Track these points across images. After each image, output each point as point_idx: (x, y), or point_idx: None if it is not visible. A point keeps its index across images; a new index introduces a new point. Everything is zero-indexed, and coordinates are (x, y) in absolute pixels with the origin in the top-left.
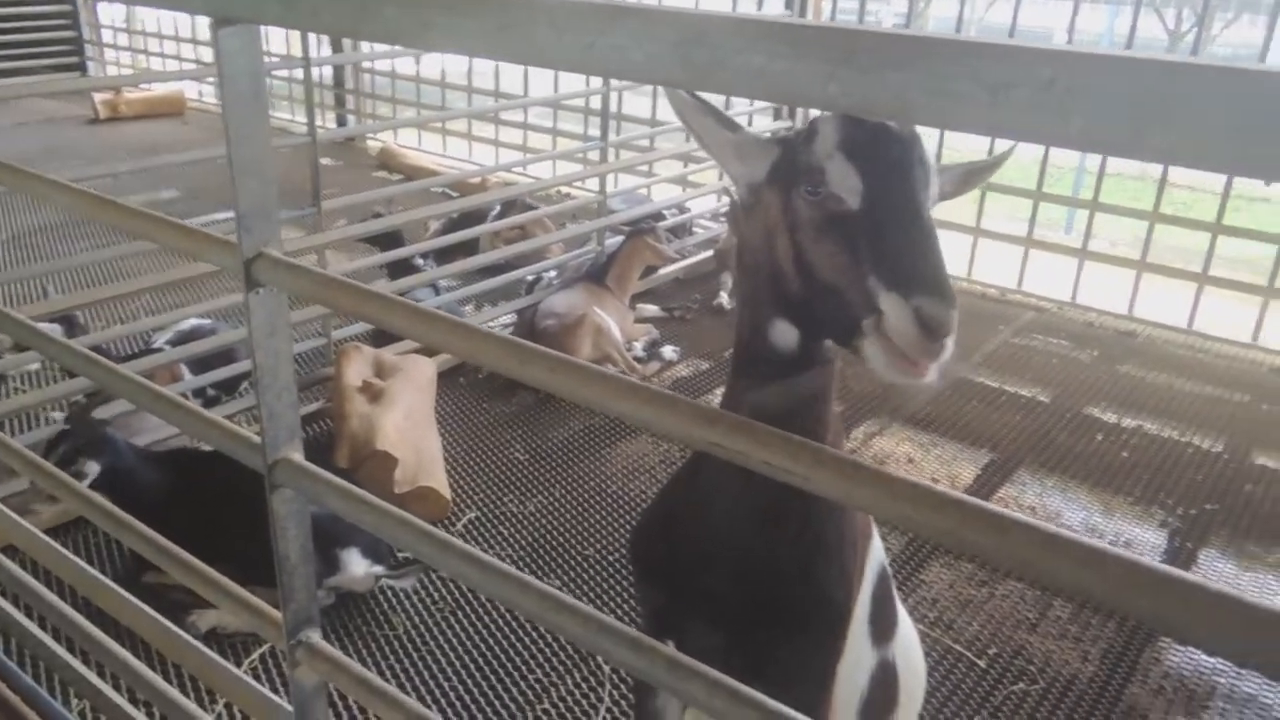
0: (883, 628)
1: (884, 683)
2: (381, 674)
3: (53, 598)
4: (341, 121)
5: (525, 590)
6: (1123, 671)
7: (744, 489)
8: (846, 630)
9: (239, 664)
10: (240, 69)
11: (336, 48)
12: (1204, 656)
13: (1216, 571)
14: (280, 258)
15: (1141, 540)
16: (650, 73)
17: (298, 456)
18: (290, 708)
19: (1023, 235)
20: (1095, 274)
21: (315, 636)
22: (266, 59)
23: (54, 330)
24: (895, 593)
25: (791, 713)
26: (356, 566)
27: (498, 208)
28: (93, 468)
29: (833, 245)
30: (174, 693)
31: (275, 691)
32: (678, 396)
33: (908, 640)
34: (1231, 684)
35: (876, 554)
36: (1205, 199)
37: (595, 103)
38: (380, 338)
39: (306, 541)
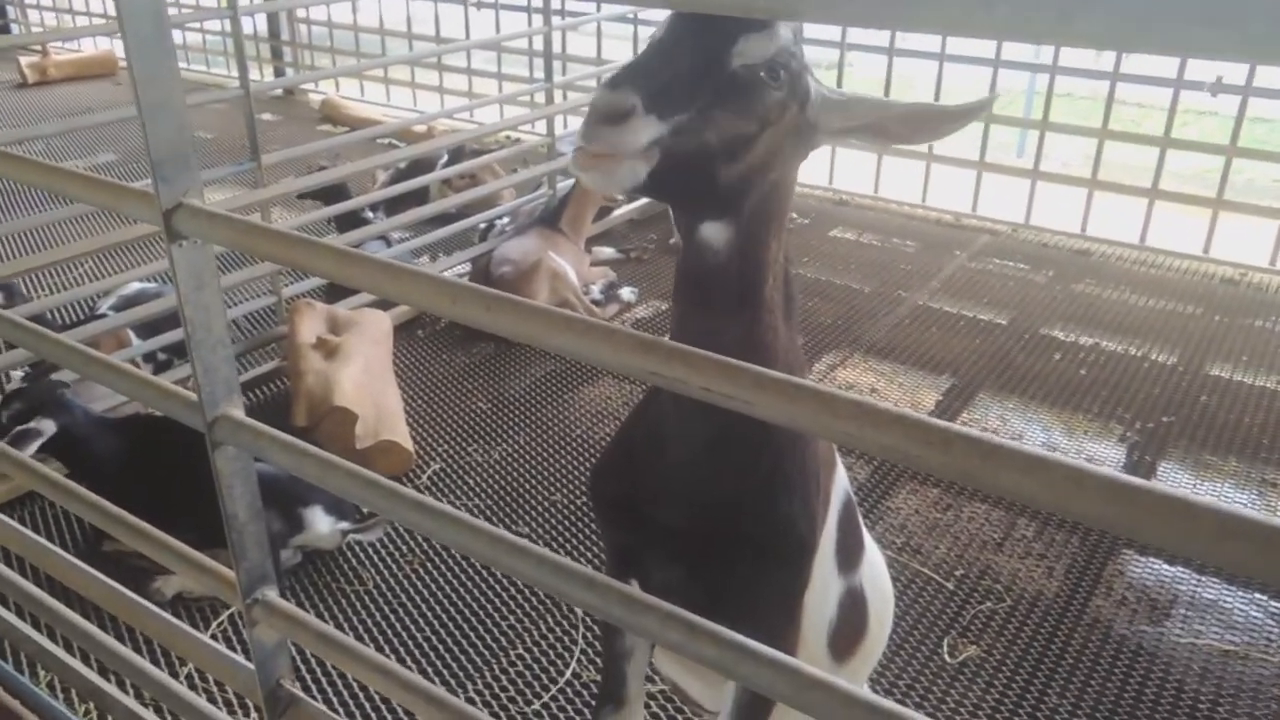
0: (849, 555)
1: (852, 609)
2: (353, 629)
3: (10, 573)
4: (280, 74)
5: (477, 534)
6: (1086, 585)
7: (692, 419)
8: (811, 562)
9: (206, 628)
10: (141, 8)
11: None
12: (1165, 566)
13: (1175, 482)
14: (201, 207)
15: (1102, 455)
16: None
17: (238, 412)
18: (252, 666)
19: (974, 160)
20: (1048, 194)
21: (272, 594)
22: (195, 9)
23: None
24: (860, 519)
25: (744, 640)
26: (321, 524)
27: (445, 155)
28: (48, 425)
29: None
30: (140, 661)
31: (246, 654)
32: (614, 326)
33: (875, 566)
34: (1193, 591)
35: (841, 482)
36: (1154, 115)
37: (539, 44)
38: (333, 293)
39: (254, 499)
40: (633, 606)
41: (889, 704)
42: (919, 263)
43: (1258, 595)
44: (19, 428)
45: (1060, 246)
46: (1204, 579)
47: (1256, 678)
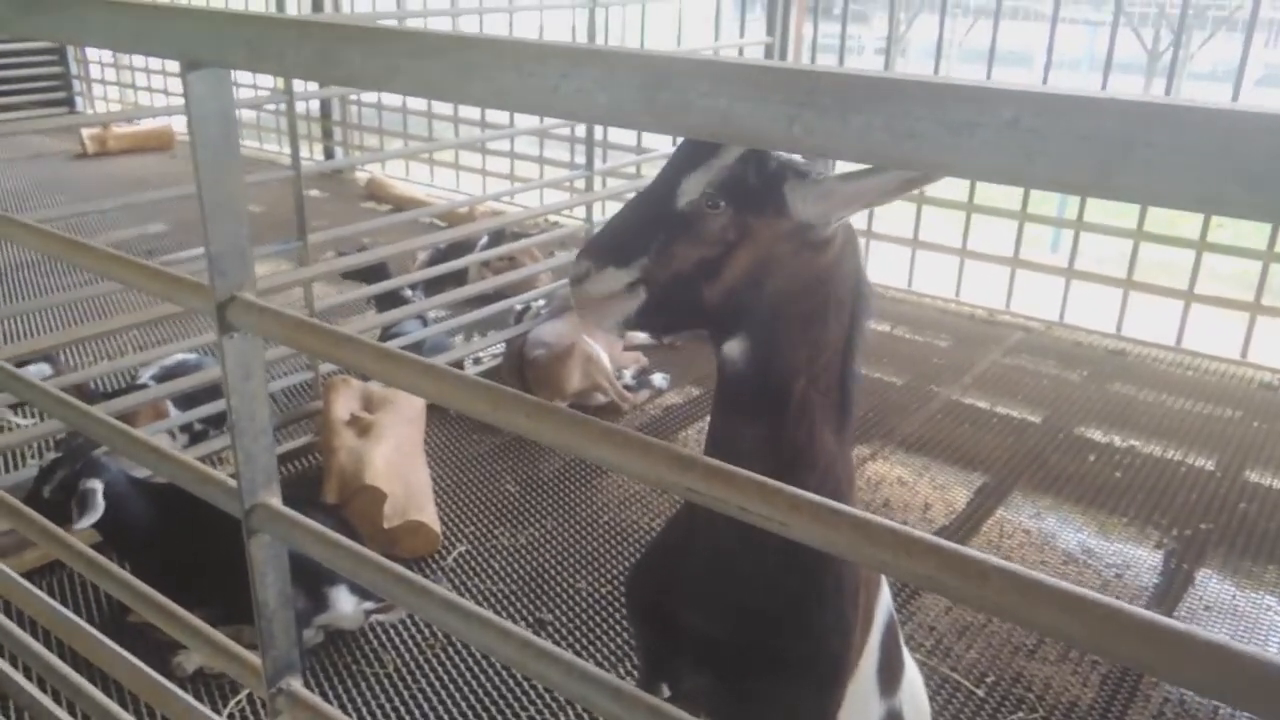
0: (891, 677)
1: None
2: (372, 714)
3: (36, 645)
4: (329, 153)
5: (506, 638)
6: (1123, 697)
7: (722, 526)
8: (844, 679)
9: (225, 704)
10: (209, 112)
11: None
12: None
13: (1214, 592)
14: (254, 301)
15: (1138, 561)
16: (615, 116)
17: (275, 501)
18: None
19: (1008, 256)
20: (1083, 292)
21: (296, 684)
22: (254, 92)
23: (41, 370)
24: (901, 638)
25: None
26: (345, 604)
27: (485, 238)
28: (95, 484)
29: None
30: None
31: None
32: (652, 441)
33: (914, 687)
34: (1234, 709)
35: (885, 602)
36: (1189, 215)
37: (581, 130)
38: None
39: (285, 587)
40: (623, 702)
41: None
42: (952, 357)
43: None
44: (82, 487)
45: (1095, 345)
46: None
47: None
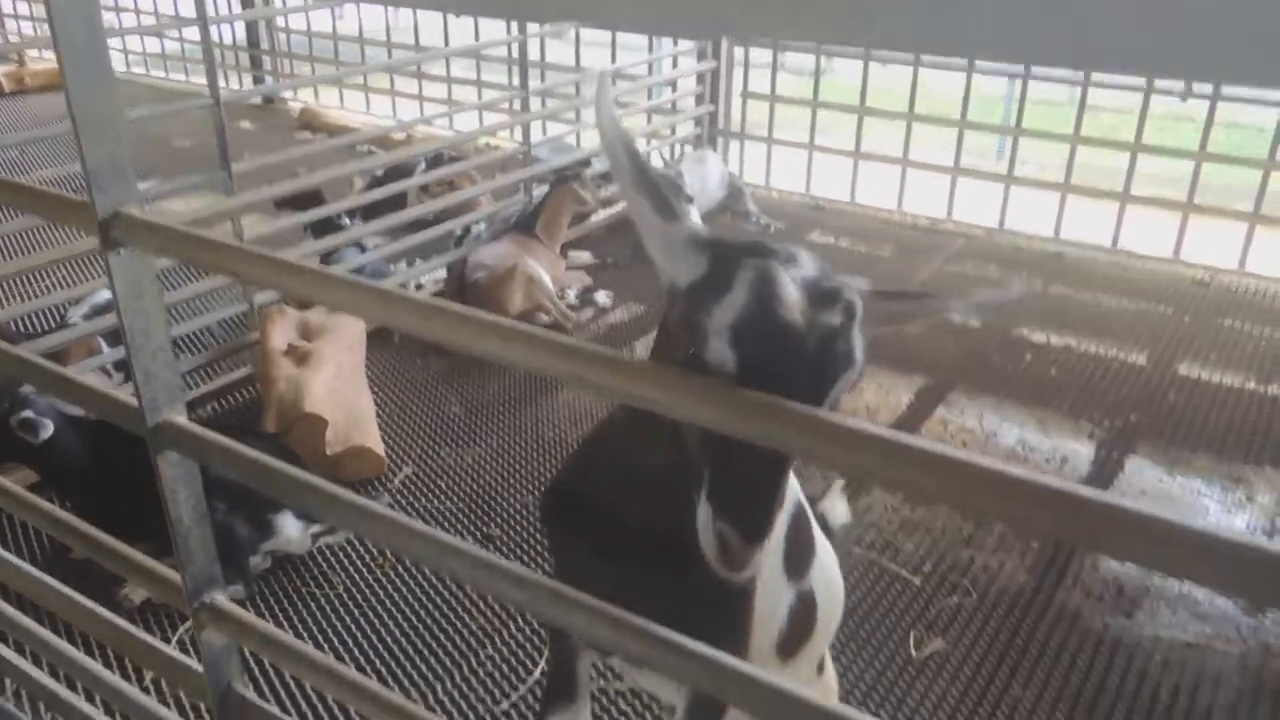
0: (798, 563)
1: (802, 614)
2: (323, 633)
3: None
4: (259, 82)
5: (411, 535)
6: (1053, 578)
7: (635, 443)
8: (753, 596)
9: (175, 631)
10: (73, 16)
11: (246, 4)
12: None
13: (1147, 478)
14: (138, 216)
15: (1075, 454)
16: (477, 6)
17: (180, 418)
18: (200, 669)
19: (948, 165)
20: (1023, 199)
21: (219, 597)
22: (172, 19)
23: None
24: (812, 521)
25: (667, 634)
26: (292, 529)
27: (423, 162)
28: (30, 413)
29: None
30: (94, 665)
31: None
32: (536, 331)
33: (824, 564)
34: (1163, 582)
35: (792, 492)
36: (1131, 122)
37: (516, 51)
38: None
39: (199, 503)
40: (559, 603)
41: (806, 692)
42: (896, 267)
43: None
44: (20, 416)
45: (1034, 250)
46: None
47: (1217, 669)
